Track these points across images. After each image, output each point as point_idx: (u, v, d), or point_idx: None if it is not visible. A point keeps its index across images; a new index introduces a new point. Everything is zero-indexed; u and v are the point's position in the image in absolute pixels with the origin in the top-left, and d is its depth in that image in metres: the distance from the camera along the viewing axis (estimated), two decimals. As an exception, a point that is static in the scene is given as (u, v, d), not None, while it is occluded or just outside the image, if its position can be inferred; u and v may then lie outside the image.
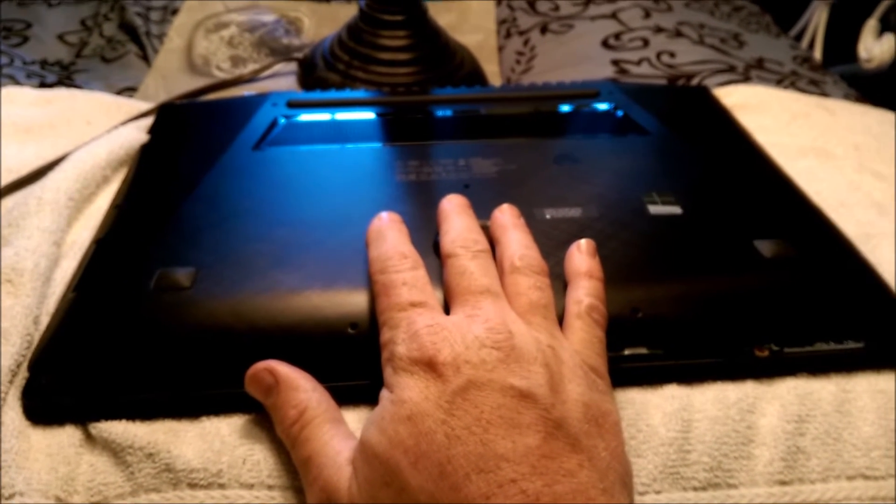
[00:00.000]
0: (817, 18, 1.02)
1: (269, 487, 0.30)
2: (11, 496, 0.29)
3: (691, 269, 0.36)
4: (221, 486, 0.30)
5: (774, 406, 0.33)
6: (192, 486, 0.30)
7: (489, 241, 0.34)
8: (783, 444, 0.32)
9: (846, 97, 0.65)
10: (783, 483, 0.31)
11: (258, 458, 0.31)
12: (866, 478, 0.31)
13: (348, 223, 0.38)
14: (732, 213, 0.40)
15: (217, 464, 0.31)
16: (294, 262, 0.35)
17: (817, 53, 1.00)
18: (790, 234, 0.39)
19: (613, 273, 0.35)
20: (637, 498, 0.30)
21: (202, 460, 0.31)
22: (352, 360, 0.33)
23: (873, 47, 0.91)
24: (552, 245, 0.37)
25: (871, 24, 0.94)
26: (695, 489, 0.31)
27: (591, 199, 0.41)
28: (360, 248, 0.36)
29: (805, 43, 1.01)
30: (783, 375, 0.34)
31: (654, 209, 0.40)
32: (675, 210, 0.40)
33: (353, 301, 0.34)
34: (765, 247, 0.37)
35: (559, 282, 0.34)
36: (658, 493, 0.31)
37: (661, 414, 0.32)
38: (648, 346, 0.34)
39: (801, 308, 0.35)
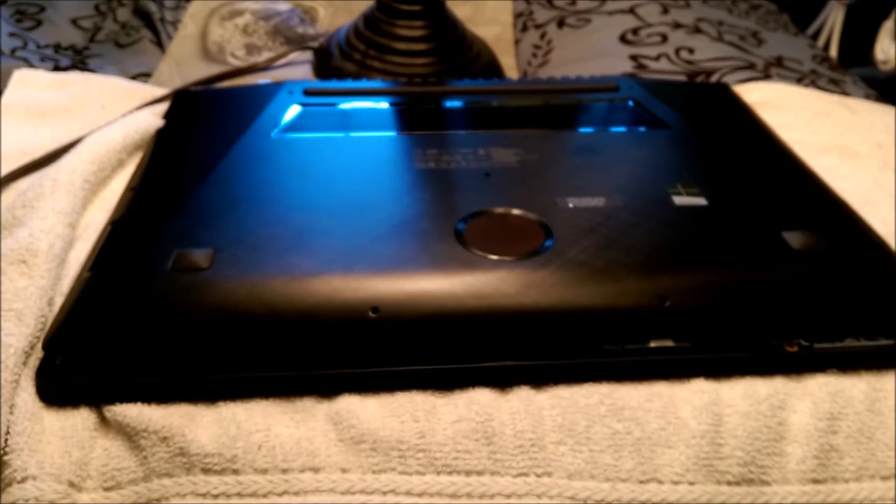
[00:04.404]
0: (833, 19, 1.02)
1: (284, 471, 0.30)
2: (24, 480, 0.29)
3: (718, 259, 0.36)
4: (235, 472, 0.30)
5: (805, 403, 0.32)
6: (206, 471, 0.30)
7: (510, 229, 0.33)
8: (815, 442, 0.31)
9: (866, 97, 0.64)
10: (817, 482, 0.30)
11: (274, 444, 0.30)
12: (901, 478, 0.31)
13: (367, 208, 0.38)
14: (759, 206, 0.40)
15: (232, 449, 0.30)
16: (313, 245, 0.35)
17: (833, 54, 0.99)
18: (819, 227, 0.38)
19: (639, 262, 0.34)
20: (670, 487, 0.30)
21: (217, 445, 0.30)
22: (373, 346, 0.32)
23: (890, 49, 0.91)
24: (576, 233, 0.36)
25: (889, 26, 0.93)
26: (728, 483, 0.30)
27: (615, 189, 0.40)
28: (381, 233, 0.35)
29: (820, 44, 1.00)
30: (813, 372, 0.34)
31: (679, 200, 0.39)
32: (701, 201, 0.39)
33: (375, 285, 0.33)
34: (794, 238, 0.37)
35: (585, 269, 0.34)
36: (692, 483, 0.30)
37: (690, 407, 0.32)
38: (675, 338, 0.33)
39: (831, 302, 0.34)
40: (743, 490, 0.30)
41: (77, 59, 0.64)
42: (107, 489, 0.30)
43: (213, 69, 0.63)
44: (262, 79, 0.63)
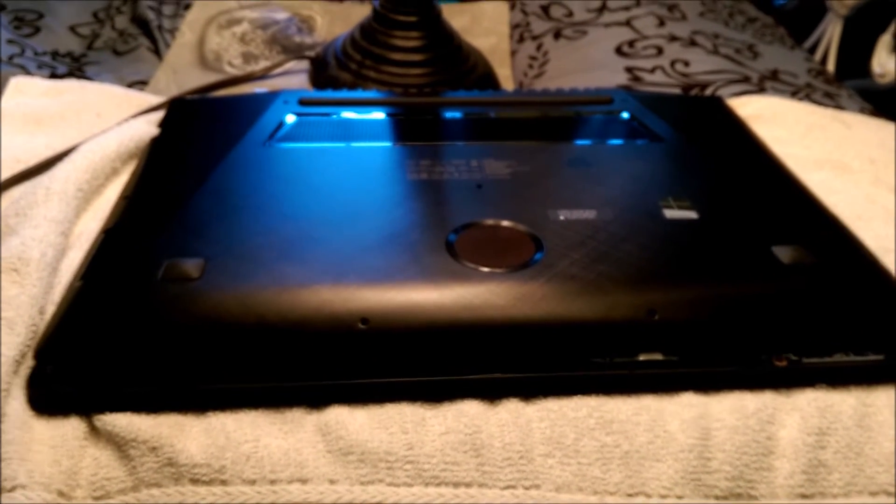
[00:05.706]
0: (830, 32, 1.02)
1: (272, 482, 0.30)
2: (13, 489, 0.29)
3: (708, 273, 0.36)
4: (223, 483, 0.30)
5: (794, 418, 0.32)
6: (194, 481, 0.30)
7: (501, 241, 0.34)
8: (804, 457, 0.31)
9: (861, 111, 0.64)
10: (805, 497, 0.30)
11: (262, 455, 0.30)
12: (889, 494, 0.31)
13: (359, 219, 0.38)
14: (750, 220, 0.40)
15: (220, 459, 0.30)
16: (304, 256, 0.35)
17: (830, 67, 0.99)
18: (809, 242, 0.38)
19: (629, 275, 0.34)
20: (658, 501, 0.30)
21: (205, 455, 0.30)
22: (362, 357, 0.32)
23: (887, 62, 0.91)
24: (566, 246, 0.36)
25: (886, 40, 0.93)
26: (716, 498, 0.30)
27: (606, 202, 0.40)
28: (372, 244, 0.35)
29: (818, 57, 1.00)
30: (802, 386, 0.34)
31: (670, 213, 0.40)
32: (692, 215, 0.40)
33: (365, 296, 0.33)
34: (783, 253, 0.37)
35: (575, 281, 0.34)
36: (680, 498, 0.30)
37: (678, 421, 0.32)
38: (664, 352, 0.33)
39: (821, 317, 0.35)
40: (730, 505, 0.30)
41: (74, 67, 0.64)
42: (96, 499, 0.30)
43: (209, 77, 0.63)
44: (258, 87, 0.63)
